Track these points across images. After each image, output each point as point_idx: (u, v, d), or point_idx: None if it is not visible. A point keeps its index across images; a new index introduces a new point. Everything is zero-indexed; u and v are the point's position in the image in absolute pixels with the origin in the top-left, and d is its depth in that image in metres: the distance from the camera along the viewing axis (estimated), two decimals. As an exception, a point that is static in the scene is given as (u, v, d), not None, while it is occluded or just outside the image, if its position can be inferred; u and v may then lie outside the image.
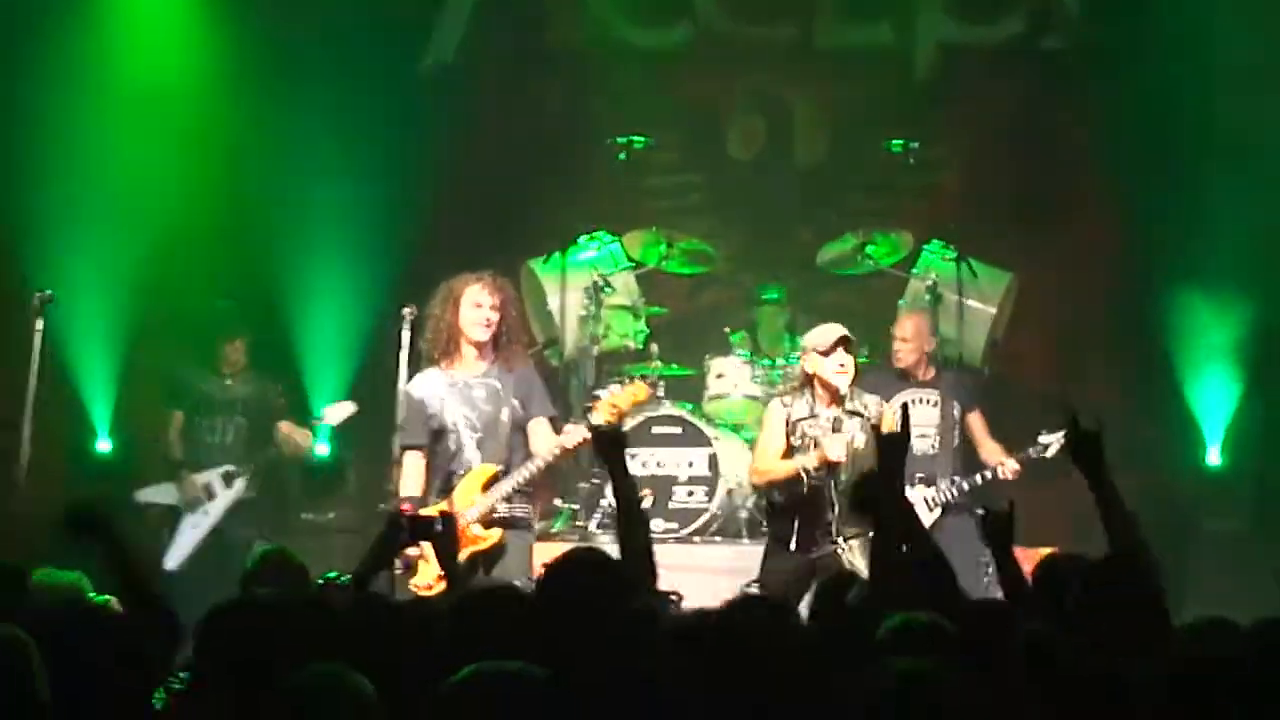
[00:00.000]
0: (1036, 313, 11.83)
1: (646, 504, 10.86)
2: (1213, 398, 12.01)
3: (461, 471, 8.92)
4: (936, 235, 11.70)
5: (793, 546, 9.03)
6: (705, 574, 10.44)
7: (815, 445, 8.97)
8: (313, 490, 12.06)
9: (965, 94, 12.22)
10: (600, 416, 8.65)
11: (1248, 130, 11.50)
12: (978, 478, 10.27)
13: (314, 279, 11.90)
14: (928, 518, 10.27)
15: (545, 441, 8.90)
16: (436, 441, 8.95)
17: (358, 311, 11.68)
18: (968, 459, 10.49)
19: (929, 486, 10.28)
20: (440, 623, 4.25)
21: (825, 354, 9.03)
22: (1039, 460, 9.97)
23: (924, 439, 10.40)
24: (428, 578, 8.55)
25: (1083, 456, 5.64)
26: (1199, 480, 11.83)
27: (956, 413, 10.58)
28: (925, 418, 10.46)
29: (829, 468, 8.92)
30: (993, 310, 11.58)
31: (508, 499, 8.84)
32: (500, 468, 8.86)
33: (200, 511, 11.11)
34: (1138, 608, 4.80)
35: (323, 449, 11.96)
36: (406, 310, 8.95)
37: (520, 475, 8.87)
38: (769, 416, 9.36)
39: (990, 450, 10.52)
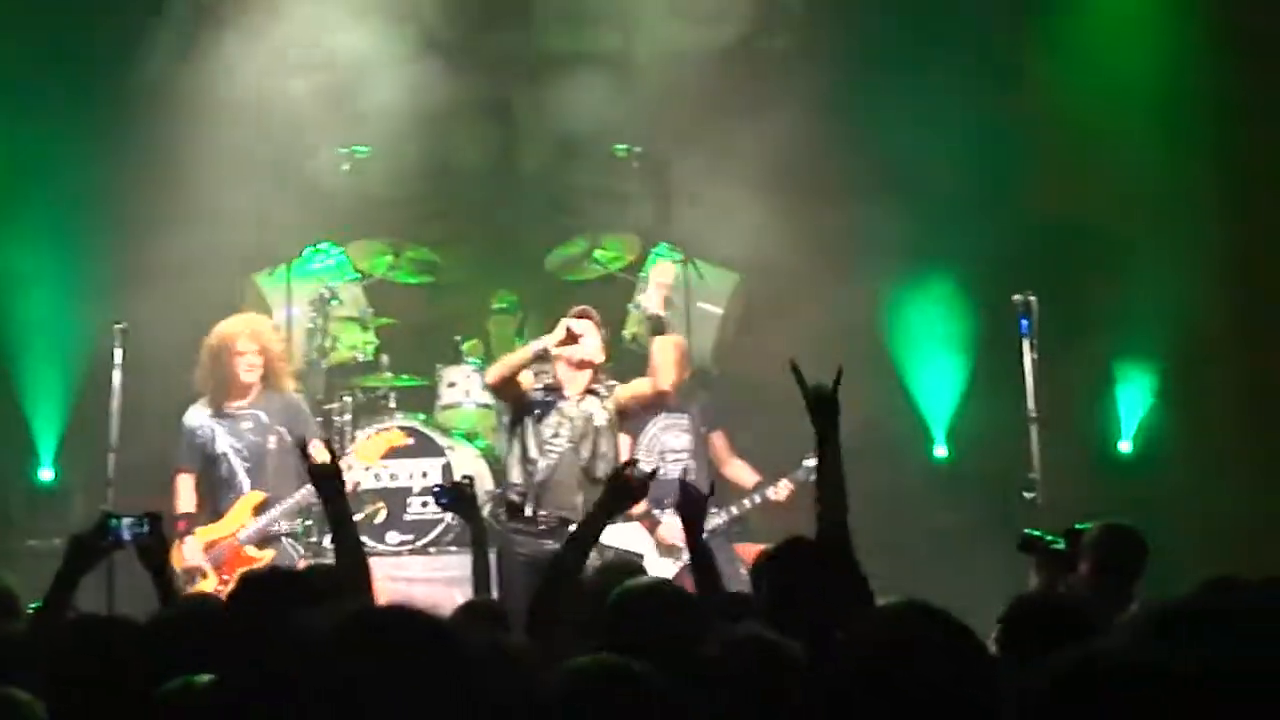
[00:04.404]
0: (763, 311, 11.94)
1: (380, 518, 10.84)
2: (938, 392, 12.25)
3: (233, 497, 9.64)
4: (663, 238, 11.79)
5: (527, 513, 9.03)
6: (441, 585, 10.40)
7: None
8: (36, 515, 11.73)
9: (691, 96, 12.26)
10: (354, 460, 9.71)
11: (965, 128, 11.76)
12: (746, 502, 10.35)
13: (26, 299, 11.51)
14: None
15: None
16: (210, 470, 9.71)
17: (73, 330, 11.33)
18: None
19: None
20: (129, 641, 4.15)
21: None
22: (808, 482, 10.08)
23: (677, 463, 10.49)
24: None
25: (820, 414, 5.72)
26: (926, 474, 12.07)
27: (703, 435, 10.72)
28: (681, 443, 10.56)
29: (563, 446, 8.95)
30: (720, 311, 11.72)
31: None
32: (268, 494, 9.59)
33: None
34: (834, 589, 4.87)
35: (46, 473, 11.67)
36: (119, 325, 8.86)
37: (295, 499, 9.58)
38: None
39: (736, 469, 10.69)
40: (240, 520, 9.61)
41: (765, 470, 10.64)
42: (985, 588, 8.40)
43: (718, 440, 10.82)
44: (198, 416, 9.80)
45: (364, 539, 10.45)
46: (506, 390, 9.23)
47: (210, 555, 9.56)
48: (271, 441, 9.60)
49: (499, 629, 5.10)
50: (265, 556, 9.51)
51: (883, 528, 9.12)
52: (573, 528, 8.73)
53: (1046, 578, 6.51)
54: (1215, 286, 11.88)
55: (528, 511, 9.02)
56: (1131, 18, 12.21)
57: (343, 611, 2.82)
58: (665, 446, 10.61)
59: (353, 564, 5.20)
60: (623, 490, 5.82)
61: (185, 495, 9.70)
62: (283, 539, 9.66)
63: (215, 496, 9.73)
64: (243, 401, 9.78)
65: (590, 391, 9.21)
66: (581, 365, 9.18)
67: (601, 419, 9.13)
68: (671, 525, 10.49)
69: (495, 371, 9.33)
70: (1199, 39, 12.05)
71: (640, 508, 10.22)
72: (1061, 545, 6.52)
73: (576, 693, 3.28)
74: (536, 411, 9.11)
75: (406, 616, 2.82)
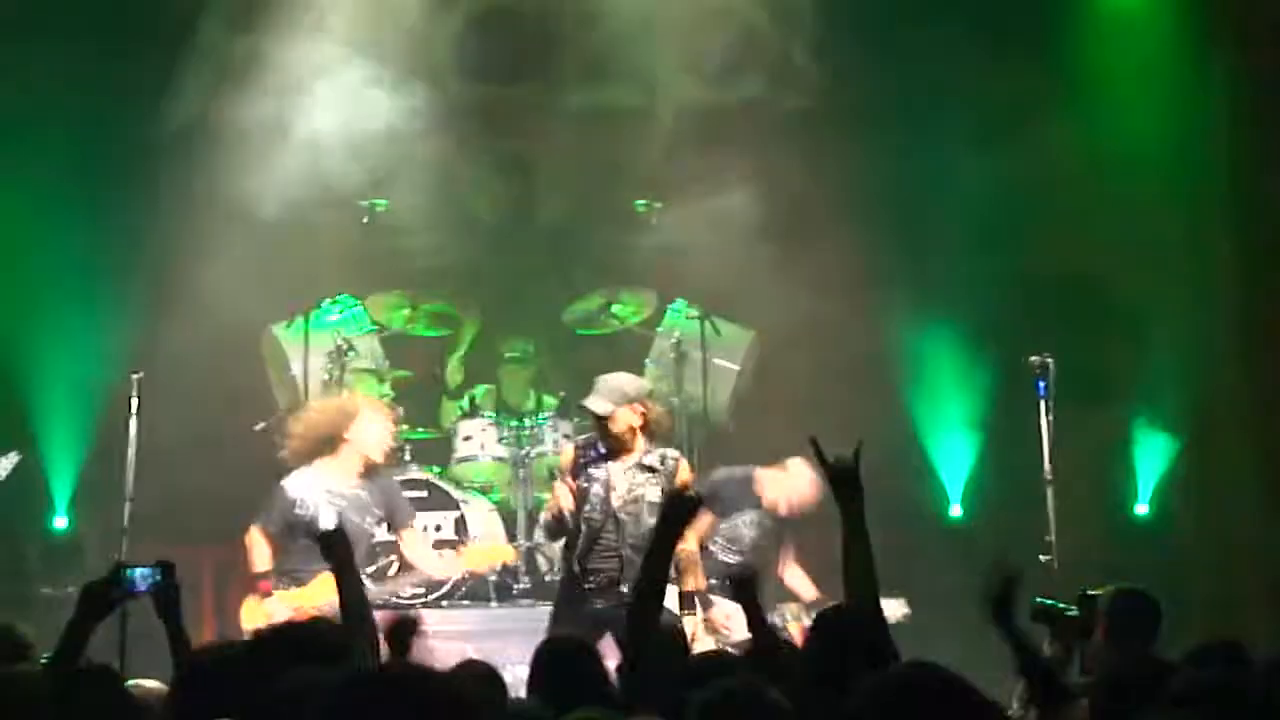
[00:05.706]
0: (780, 368, 11.94)
1: (392, 570, 10.80)
2: (953, 451, 12.22)
3: (316, 569, 9.02)
4: (680, 294, 11.81)
5: (578, 586, 8.89)
6: (452, 639, 10.36)
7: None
8: (51, 563, 11.71)
9: (708, 153, 12.28)
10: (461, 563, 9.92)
11: (979, 186, 11.78)
12: (788, 614, 10.14)
13: (43, 347, 11.52)
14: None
15: (423, 555, 9.87)
16: (296, 537, 9.25)
17: (90, 379, 11.34)
18: None
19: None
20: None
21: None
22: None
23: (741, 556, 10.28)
24: None
25: (842, 489, 5.64)
26: (940, 533, 12.02)
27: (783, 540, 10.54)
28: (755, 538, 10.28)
29: (605, 514, 8.85)
30: (736, 367, 11.73)
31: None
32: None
33: None
34: (863, 656, 4.83)
35: (61, 521, 11.67)
36: (135, 374, 8.85)
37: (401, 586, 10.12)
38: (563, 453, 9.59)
39: (794, 577, 10.47)
40: (329, 593, 9.44)
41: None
42: (998, 649, 8.36)
43: (785, 551, 10.50)
44: (303, 488, 9.47)
45: (377, 590, 10.65)
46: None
47: None
48: (369, 524, 9.45)
49: (494, 688, 5.12)
50: None
51: (895, 587, 9.09)
52: (624, 588, 8.66)
53: (1062, 645, 6.44)
54: (1233, 349, 11.87)
55: (576, 570, 8.90)
56: (1147, 73, 12.23)
57: (352, 671, 2.82)
58: (743, 542, 10.29)
59: (359, 626, 5.24)
60: (679, 503, 5.80)
61: (262, 553, 9.42)
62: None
63: (295, 562, 9.30)
64: (348, 481, 9.50)
65: (645, 467, 9.04)
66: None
67: (653, 495, 8.85)
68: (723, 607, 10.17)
69: (547, 516, 9.19)
70: (1215, 95, 12.08)
71: (700, 583, 9.74)
72: (1075, 612, 6.46)
73: None
74: (584, 481, 8.96)
75: (418, 678, 2.82)
